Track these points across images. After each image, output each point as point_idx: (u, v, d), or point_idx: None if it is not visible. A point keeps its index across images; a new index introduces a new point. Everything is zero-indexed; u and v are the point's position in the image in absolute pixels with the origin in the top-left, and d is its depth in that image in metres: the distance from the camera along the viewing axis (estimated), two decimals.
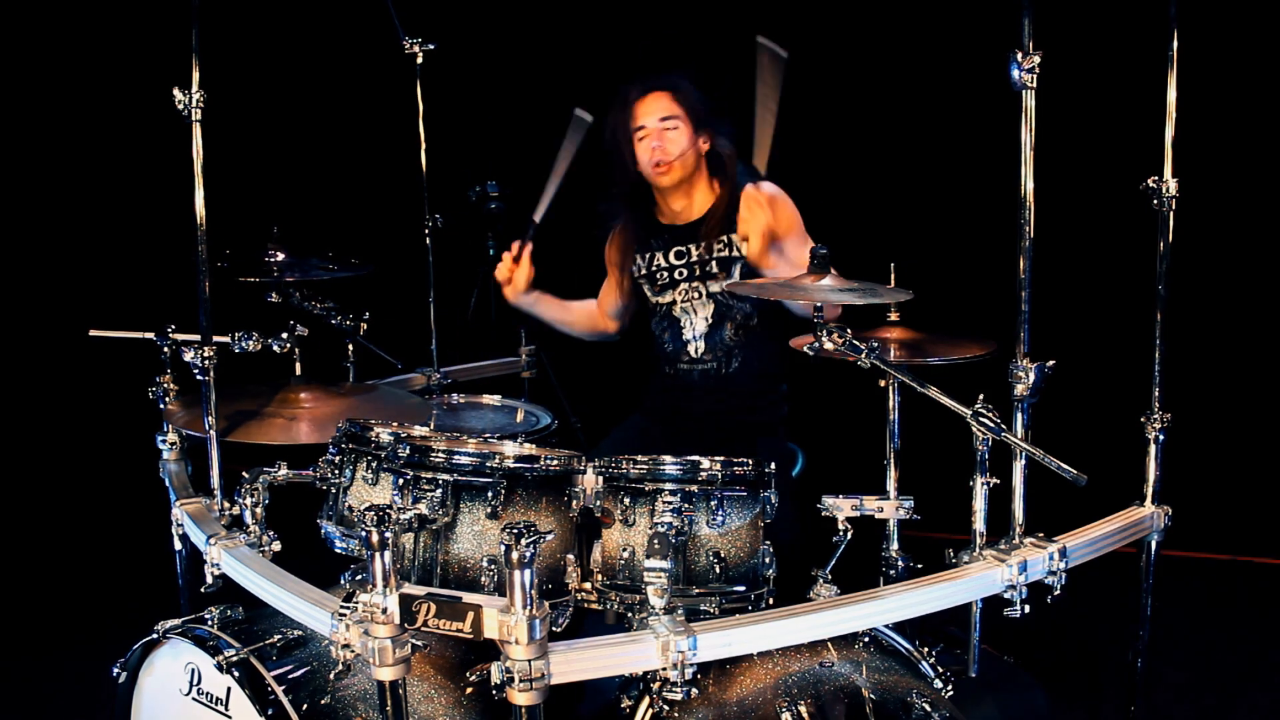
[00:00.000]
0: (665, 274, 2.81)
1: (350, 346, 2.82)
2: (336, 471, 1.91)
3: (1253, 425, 4.00)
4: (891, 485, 2.13)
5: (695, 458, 1.82)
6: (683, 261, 2.80)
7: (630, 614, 1.81)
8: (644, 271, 2.85)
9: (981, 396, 1.82)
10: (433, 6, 3.36)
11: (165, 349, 2.43)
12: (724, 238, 2.75)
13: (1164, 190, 2.12)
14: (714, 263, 2.75)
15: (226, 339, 2.14)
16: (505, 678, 1.43)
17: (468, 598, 1.45)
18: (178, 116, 1.96)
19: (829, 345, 1.93)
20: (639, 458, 1.82)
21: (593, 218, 2.96)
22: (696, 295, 2.77)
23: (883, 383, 2.13)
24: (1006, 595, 1.80)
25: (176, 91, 1.94)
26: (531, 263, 2.88)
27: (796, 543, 2.35)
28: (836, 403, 2.87)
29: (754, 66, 2.82)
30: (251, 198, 3.55)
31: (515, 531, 1.40)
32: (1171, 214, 2.14)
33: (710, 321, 2.77)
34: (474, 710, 1.85)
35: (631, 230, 2.88)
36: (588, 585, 1.85)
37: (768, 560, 1.85)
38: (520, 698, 1.43)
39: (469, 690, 1.86)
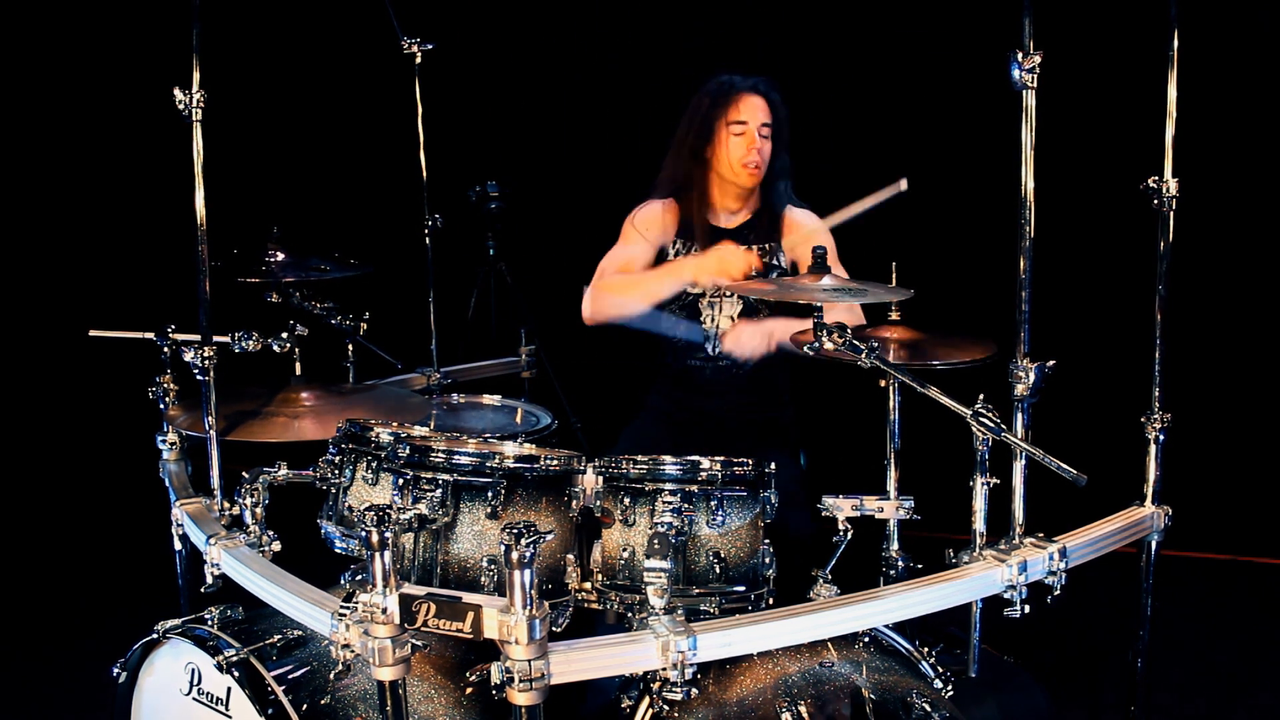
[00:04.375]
0: None
1: (350, 346, 2.82)
2: (336, 471, 1.91)
3: (1253, 425, 3.99)
4: (891, 485, 2.12)
5: (695, 457, 1.82)
6: None
7: (630, 614, 1.81)
8: (676, 257, 2.81)
9: (981, 396, 1.82)
10: (433, 6, 3.36)
11: (165, 349, 2.43)
12: (768, 245, 2.76)
13: (1164, 190, 2.12)
14: None
15: (226, 339, 2.14)
16: (505, 678, 1.42)
17: (468, 598, 1.45)
18: (178, 116, 1.96)
19: (829, 345, 1.92)
20: (639, 457, 1.82)
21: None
22: (727, 293, 2.74)
23: (883, 383, 2.12)
24: (1006, 595, 1.80)
25: (177, 91, 1.94)
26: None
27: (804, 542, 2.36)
28: (837, 403, 2.87)
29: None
30: (251, 198, 3.54)
31: (515, 531, 1.40)
32: (1172, 214, 2.14)
33: (735, 321, 2.74)
34: (474, 710, 1.84)
35: (675, 212, 2.84)
36: (588, 585, 1.84)
37: (768, 560, 1.85)
38: (520, 698, 1.43)
39: (469, 690, 1.86)
